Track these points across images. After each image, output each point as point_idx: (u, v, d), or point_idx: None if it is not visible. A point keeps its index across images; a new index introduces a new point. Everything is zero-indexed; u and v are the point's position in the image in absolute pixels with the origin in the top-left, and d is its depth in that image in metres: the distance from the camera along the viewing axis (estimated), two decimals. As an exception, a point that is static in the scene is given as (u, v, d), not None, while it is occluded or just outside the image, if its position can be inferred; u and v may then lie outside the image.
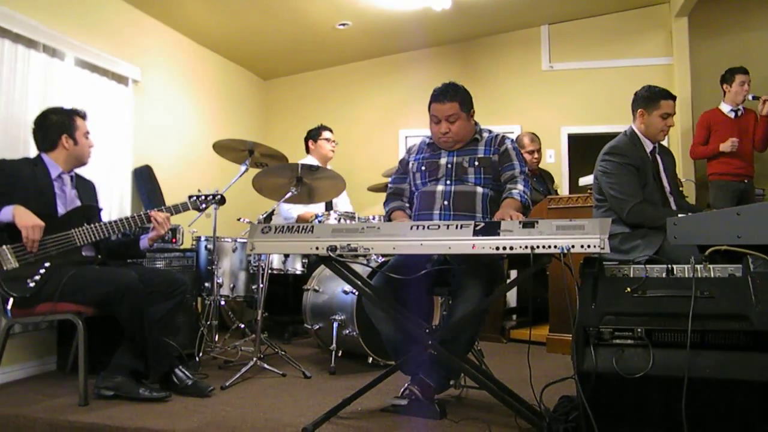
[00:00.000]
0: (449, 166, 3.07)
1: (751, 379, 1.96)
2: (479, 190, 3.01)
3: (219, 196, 3.54)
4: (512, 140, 3.14)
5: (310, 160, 5.34)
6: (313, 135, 5.52)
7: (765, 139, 5.17)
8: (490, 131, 3.18)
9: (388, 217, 3.26)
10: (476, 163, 3.03)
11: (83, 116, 3.40)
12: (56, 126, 3.27)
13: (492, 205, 3.02)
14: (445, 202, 3.01)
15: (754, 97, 5.11)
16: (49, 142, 3.27)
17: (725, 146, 5.02)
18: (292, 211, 5.15)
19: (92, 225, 3.17)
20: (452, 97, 3.02)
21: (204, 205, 3.49)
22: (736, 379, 1.97)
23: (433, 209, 3.02)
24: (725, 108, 5.23)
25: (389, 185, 3.35)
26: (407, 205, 3.26)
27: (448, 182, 3.05)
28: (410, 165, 3.23)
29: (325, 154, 5.47)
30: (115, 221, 3.23)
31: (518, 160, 3.07)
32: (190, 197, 3.47)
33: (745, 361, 1.98)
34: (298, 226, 2.53)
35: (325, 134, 5.50)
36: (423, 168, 3.14)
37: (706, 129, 5.24)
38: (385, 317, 2.91)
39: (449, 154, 3.10)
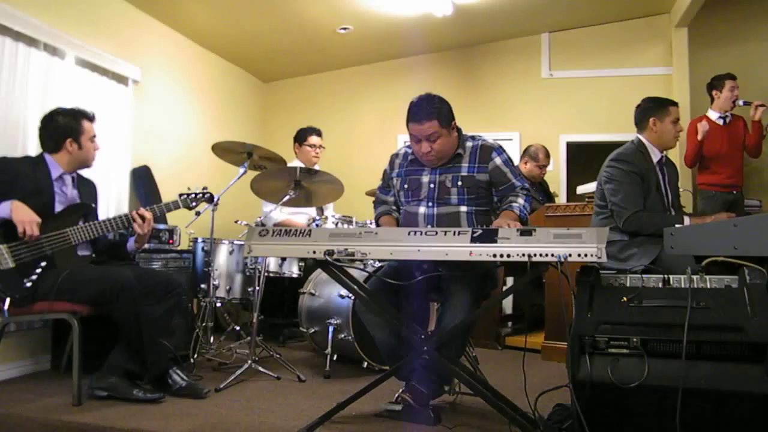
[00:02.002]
0: (431, 185, 2.97)
1: (746, 391, 1.96)
2: (463, 209, 2.94)
3: (208, 194, 3.55)
4: (499, 150, 2.99)
5: (297, 163, 5.21)
6: (299, 137, 5.32)
7: (758, 145, 5.15)
8: (473, 138, 3.04)
9: (377, 222, 3.24)
10: (459, 183, 2.93)
11: (91, 119, 3.37)
12: (62, 129, 3.25)
13: (478, 219, 2.96)
14: (429, 226, 2.93)
15: (745, 103, 5.08)
16: (53, 144, 3.26)
17: (701, 130, 4.94)
18: (274, 213, 4.88)
19: (87, 223, 3.17)
20: (430, 116, 2.85)
21: (194, 203, 3.50)
22: (731, 391, 1.98)
23: None
24: (713, 115, 5.18)
25: (376, 194, 3.32)
26: (395, 208, 3.22)
27: (430, 204, 2.96)
28: (393, 180, 3.15)
29: (308, 159, 5.24)
30: (109, 219, 3.22)
31: (514, 175, 2.97)
32: (180, 195, 3.49)
33: (740, 373, 1.99)
34: (296, 230, 2.53)
35: (311, 139, 5.27)
36: (405, 186, 3.05)
37: (695, 136, 5.11)
38: (379, 322, 2.91)
39: (432, 171, 2.99)
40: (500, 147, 3.02)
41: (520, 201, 2.89)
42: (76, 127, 3.28)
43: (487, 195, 2.99)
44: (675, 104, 3.48)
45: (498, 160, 2.96)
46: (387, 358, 3.00)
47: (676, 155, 5.65)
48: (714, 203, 5.02)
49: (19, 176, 3.10)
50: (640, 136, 3.49)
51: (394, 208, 3.23)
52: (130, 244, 3.41)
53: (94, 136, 3.37)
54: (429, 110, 2.87)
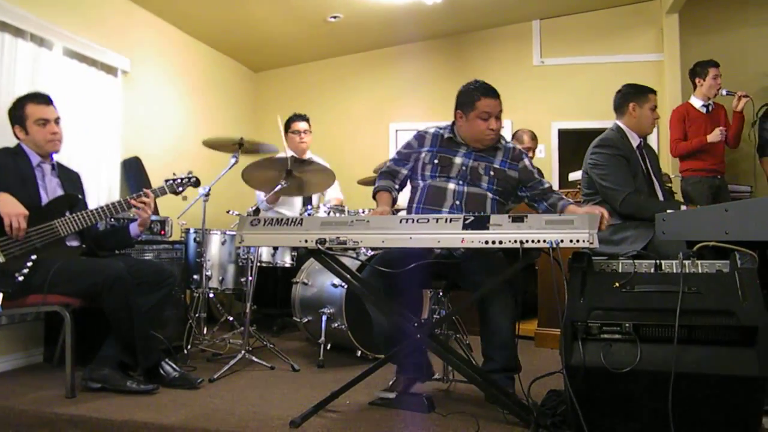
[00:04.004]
0: (464, 167, 3.01)
1: (738, 375, 1.97)
2: (489, 195, 2.99)
3: (194, 178, 3.54)
4: (526, 154, 3.14)
5: (289, 153, 5.12)
6: (285, 127, 5.17)
7: (738, 135, 5.14)
8: (506, 140, 3.16)
9: (374, 194, 3.21)
10: (491, 173, 3.00)
11: (41, 100, 3.21)
12: (10, 116, 3.22)
13: (499, 209, 3.02)
14: (457, 202, 2.96)
15: (728, 93, 5.06)
16: (13, 133, 3.23)
17: (713, 136, 4.90)
18: (262, 195, 4.83)
19: (74, 214, 3.15)
20: (498, 94, 3.03)
21: (181, 188, 3.50)
22: (722, 375, 1.99)
23: (443, 206, 2.97)
24: (697, 103, 5.15)
25: (388, 164, 3.24)
26: (396, 187, 3.18)
27: (461, 182, 2.99)
28: (421, 155, 3.11)
29: (296, 147, 5.09)
30: (97, 209, 3.20)
31: (540, 174, 3.10)
32: (166, 181, 3.48)
33: (731, 357, 2.00)
34: (288, 219, 2.53)
35: (295, 125, 5.13)
36: (435, 161, 3.06)
37: (681, 124, 5.14)
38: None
39: (466, 155, 3.04)
40: (528, 155, 3.19)
41: (560, 196, 3.02)
42: (20, 112, 3.19)
43: (511, 191, 3.09)
44: (654, 92, 3.56)
45: (526, 161, 3.10)
46: (384, 343, 2.99)
47: (666, 142, 5.68)
48: (701, 188, 5.01)
49: (2, 168, 3.07)
50: (619, 123, 3.56)
51: (396, 187, 3.19)
52: (134, 230, 3.40)
53: (45, 120, 3.19)
54: (495, 89, 3.05)
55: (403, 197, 3.24)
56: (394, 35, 6.43)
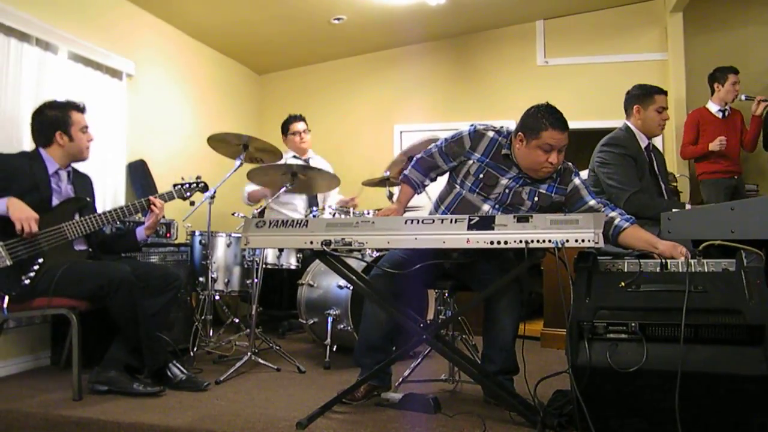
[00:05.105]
0: (507, 190, 2.85)
1: (744, 374, 1.97)
2: None
3: (202, 183, 3.55)
4: (577, 172, 2.91)
5: (290, 155, 5.13)
6: (283, 129, 5.24)
7: (755, 140, 5.19)
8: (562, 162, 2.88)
9: (401, 180, 3.15)
10: (536, 198, 2.84)
11: (81, 109, 3.30)
12: (51, 121, 3.21)
13: None
14: None
15: (747, 98, 5.09)
16: (44, 138, 3.22)
17: (714, 145, 4.97)
18: (248, 187, 5.01)
19: (83, 218, 3.16)
20: (567, 127, 2.74)
21: (189, 193, 3.51)
22: (729, 374, 1.99)
23: None
24: (713, 108, 5.21)
25: (431, 151, 3.05)
26: (427, 183, 3.12)
27: (497, 206, 2.85)
28: (469, 161, 2.92)
29: (297, 148, 5.16)
30: (105, 213, 3.21)
31: (588, 191, 2.87)
32: (174, 186, 3.50)
33: (738, 356, 2.00)
34: (293, 221, 2.53)
35: (293, 126, 5.17)
36: (481, 175, 2.87)
37: (695, 128, 5.21)
38: (378, 318, 2.89)
39: (514, 179, 2.85)
40: (577, 169, 2.94)
41: (617, 212, 2.76)
42: (65, 118, 3.22)
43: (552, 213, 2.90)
44: (663, 93, 3.50)
45: (577, 181, 2.88)
46: (362, 350, 2.97)
47: (672, 142, 5.67)
48: (717, 189, 5.06)
49: (16, 172, 3.07)
50: (628, 123, 3.54)
51: (427, 183, 3.13)
52: (141, 233, 3.41)
53: (86, 127, 3.30)
54: (565, 121, 2.76)
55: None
56: (397, 37, 6.44)
